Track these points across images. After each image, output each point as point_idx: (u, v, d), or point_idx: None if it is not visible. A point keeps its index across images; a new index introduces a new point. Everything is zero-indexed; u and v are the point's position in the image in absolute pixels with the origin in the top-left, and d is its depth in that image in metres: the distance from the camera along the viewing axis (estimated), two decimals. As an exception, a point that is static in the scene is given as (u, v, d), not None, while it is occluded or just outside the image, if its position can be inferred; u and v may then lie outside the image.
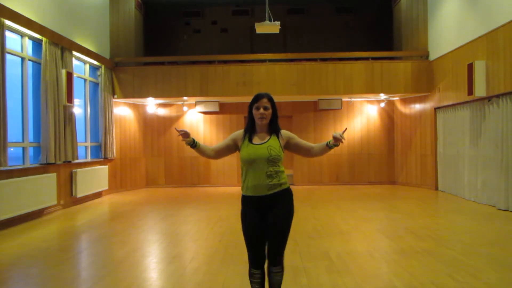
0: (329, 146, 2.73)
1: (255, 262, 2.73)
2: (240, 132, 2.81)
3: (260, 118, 2.70)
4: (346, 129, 2.83)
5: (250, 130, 2.77)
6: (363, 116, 11.36)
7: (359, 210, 7.30)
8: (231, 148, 2.82)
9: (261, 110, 2.69)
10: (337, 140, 2.69)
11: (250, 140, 2.73)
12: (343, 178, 11.33)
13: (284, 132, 2.80)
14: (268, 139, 2.72)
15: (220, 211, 7.38)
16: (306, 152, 2.83)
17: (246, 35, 12.50)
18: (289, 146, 2.81)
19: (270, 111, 2.72)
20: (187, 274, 3.91)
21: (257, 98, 2.72)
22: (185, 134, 2.72)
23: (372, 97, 10.83)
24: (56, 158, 7.33)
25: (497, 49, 7.10)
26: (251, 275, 2.76)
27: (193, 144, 2.74)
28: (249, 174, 2.69)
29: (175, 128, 2.84)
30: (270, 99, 2.73)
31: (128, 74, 10.17)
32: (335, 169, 11.34)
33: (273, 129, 2.76)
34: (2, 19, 6.06)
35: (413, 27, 10.26)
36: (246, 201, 2.74)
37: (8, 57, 6.42)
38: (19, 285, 3.80)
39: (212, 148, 2.84)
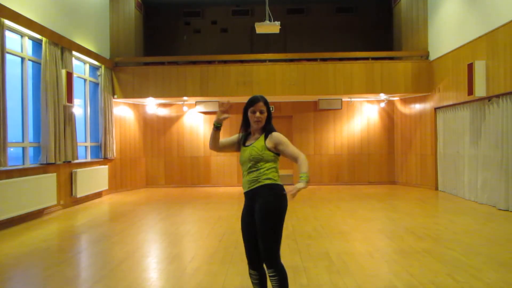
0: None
1: (249, 262, 2.78)
2: (239, 135, 2.90)
3: (256, 122, 2.74)
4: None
5: (246, 133, 2.85)
6: (363, 116, 11.36)
7: (359, 210, 7.30)
8: (235, 145, 2.90)
9: (257, 114, 2.72)
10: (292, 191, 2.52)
11: (244, 143, 2.82)
12: (343, 178, 11.33)
13: (275, 135, 2.71)
14: (256, 140, 2.75)
15: (220, 211, 7.38)
16: (293, 160, 2.74)
17: (246, 35, 12.50)
18: (278, 151, 2.74)
19: (265, 114, 2.75)
20: (187, 274, 3.91)
21: (253, 102, 2.74)
22: (226, 111, 2.74)
23: (372, 97, 10.83)
24: (56, 158, 7.33)
25: (497, 49, 7.10)
26: (249, 275, 2.81)
27: (218, 127, 2.79)
28: (242, 173, 2.81)
29: (220, 102, 2.83)
30: (266, 103, 2.76)
31: (128, 74, 10.17)
32: (335, 169, 11.34)
33: (265, 130, 2.78)
34: (2, 19, 6.06)
35: (413, 27, 10.26)
36: (245, 199, 2.83)
37: (8, 57, 6.42)
38: (19, 285, 3.80)
39: (220, 140, 2.90)
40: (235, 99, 10.74)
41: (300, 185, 2.48)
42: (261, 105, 2.72)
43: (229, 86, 10.09)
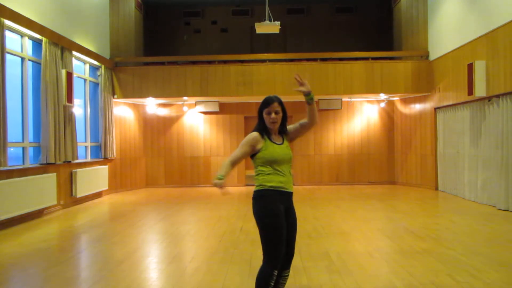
0: (308, 103, 2.76)
1: (279, 263, 2.59)
2: (256, 135, 2.69)
3: (271, 123, 2.71)
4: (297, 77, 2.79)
5: (267, 131, 2.73)
6: (363, 116, 11.36)
7: (359, 210, 7.30)
8: (248, 154, 2.70)
9: (273, 115, 2.69)
10: (302, 88, 2.73)
11: (271, 140, 2.71)
12: (343, 178, 11.33)
13: (288, 129, 2.85)
14: (283, 140, 2.78)
15: (220, 211, 7.38)
16: (304, 126, 2.83)
17: (246, 35, 12.50)
18: (292, 136, 2.86)
19: (280, 114, 2.73)
20: (187, 274, 3.91)
21: (268, 103, 2.70)
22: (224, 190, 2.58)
23: (372, 97, 10.83)
24: (56, 158, 7.33)
25: (497, 49, 7.10)
26: (270, 276, 2.54)
27: (221, 182, 2.55)
28: (273, 172, 2.65)
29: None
30: (280, 103, 2.73)
31: (128, 74, 10.17)
32: (335, 169, 11.34)
33: (282, 130, 2.80)
34: (2, 19, 6.06)
35: (413, 27, 10.26)
36: (273, 194, 2.62)
37: (8, 57, 6.42)
38: (19, 285, 3.81)
39: (229, 163, 2.64)
40: (235, 99, 10.79)
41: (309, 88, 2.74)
42: (276, 105, 2.70)
43: (229, 86, 10.09)
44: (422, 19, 10.10)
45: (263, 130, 2.72)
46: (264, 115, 2.71)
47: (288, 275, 2.80)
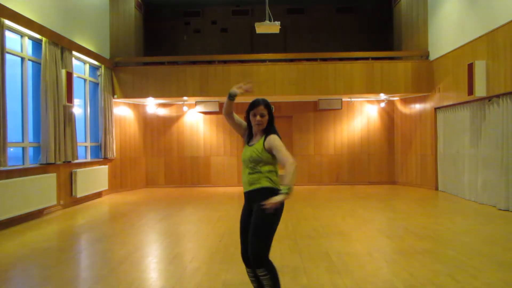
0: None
1: (243, 260, 2.84)
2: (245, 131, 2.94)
3: (257, 125, 2.78)
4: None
5: (250, 132, 2.88)
6: (363, 116, 11.36)
7: (359, 210, 7.30)
8: (241, 129, 2.95)
9: (258, 117, 2.76)
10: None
11: (247, 142, 2.87)
12: (343, 178, 11.33)
13: (270, 138, 2.70)
14: (257, 142, 2.77)
15: (220, 211, 7.38)
16: (282, 165, 2.68)
17: (246, 35, 12.50)
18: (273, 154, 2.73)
19: (266, 117, 2.77)
20: (187, 274, 3.91)
21: (254, 105, 2.78)
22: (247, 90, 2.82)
23: (372, 97, 10.83)
24: (56, 158, 7.33)
25: (497, 49, 7.10)
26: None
27: (232, 96, 2.84)
28: (242, 171, 2.85)
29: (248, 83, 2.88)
30: (267, 106, 2.78)
31: (128, 74, 10.17)
32: (335, 169, 11.34)
33: (266, 131, 2.79)
34: (2, 19, 6.06)
35: (413, 27, 10.26)
36: (244, 197, 2.89)
37: (8, 57, 6.42)
38: (19, 285, 3.81)
39: (235, 114, 2.92)
40: (235, 99, 10.77)
41: (277, 197, 2.47)
42: (261, 108, 2.75)
43: (229, 86, 9.88)
44: (422, 19, 10.10)
45: (250, 130, 2.87)
46: (250, 117, 2.80)
47: (264, 275, 2.62)
